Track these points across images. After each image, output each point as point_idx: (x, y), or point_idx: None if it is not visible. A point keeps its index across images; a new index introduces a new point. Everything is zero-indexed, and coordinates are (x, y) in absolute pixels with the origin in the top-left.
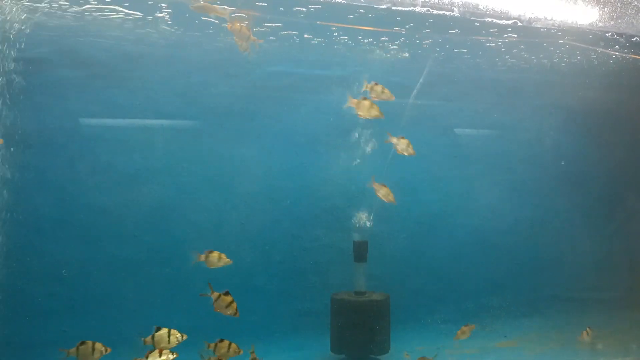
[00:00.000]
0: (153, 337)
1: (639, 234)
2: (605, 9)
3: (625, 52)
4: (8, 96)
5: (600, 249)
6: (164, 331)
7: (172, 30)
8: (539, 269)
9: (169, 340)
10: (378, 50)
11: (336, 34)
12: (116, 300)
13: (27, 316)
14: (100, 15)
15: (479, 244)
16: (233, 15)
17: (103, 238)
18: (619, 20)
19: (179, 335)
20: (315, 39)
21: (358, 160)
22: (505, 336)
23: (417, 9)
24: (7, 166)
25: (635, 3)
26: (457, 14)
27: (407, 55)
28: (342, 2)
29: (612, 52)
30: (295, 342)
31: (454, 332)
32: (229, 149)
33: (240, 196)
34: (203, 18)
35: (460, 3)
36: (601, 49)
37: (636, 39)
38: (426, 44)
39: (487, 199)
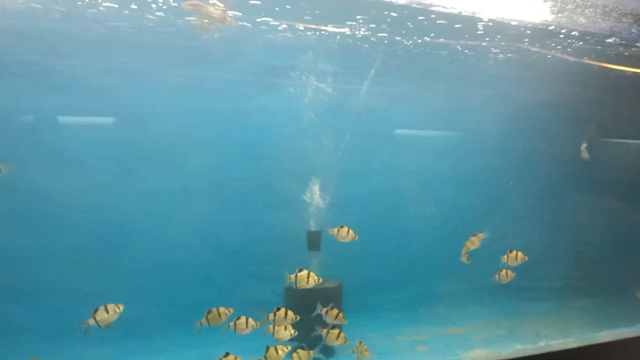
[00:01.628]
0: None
1: (584, 225)
2: (547, 3)
3: (565, 46)
4: None
5: (546, 240)
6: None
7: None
8: (488, 258)
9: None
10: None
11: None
12: (62, 289)
13: None
14: None
15: (429, 234)
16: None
17: (50, 227)
18: (560, 15)
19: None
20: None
21: (312, 149)
22: (454, 323)
23: None
24: None
25: None
26: (404, 2)
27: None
28: None
29: (552, 46)
30: (251, 332)
31: (405, 319)
32: (182, 136)
33: (192, 186)
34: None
35: None
36: (541, 43)
37: (575, 33)
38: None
39: (437, 190)
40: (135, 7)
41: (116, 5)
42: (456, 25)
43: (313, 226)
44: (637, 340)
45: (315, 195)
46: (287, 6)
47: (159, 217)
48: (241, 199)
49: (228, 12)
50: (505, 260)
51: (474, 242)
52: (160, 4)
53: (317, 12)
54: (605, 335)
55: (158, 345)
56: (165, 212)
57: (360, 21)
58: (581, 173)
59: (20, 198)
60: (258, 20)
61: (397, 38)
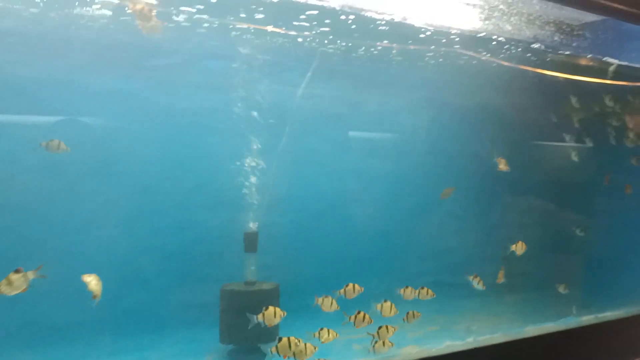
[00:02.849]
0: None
1: (514, 225)
2: (475, 11)
3: (493, 53)
4: None
5: (479, 239)
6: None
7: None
8: (424, 257)
9: None
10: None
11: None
12: None
13: None
14: None
15: (368, 234)
16: None
17: None
18: (487, 22)
19: None
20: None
21: (249, 150)
22: (390, 321)
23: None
24: None
25: (501, 7)
26: (336, 7)
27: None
28: None
29: (478, 54)
30: (185, 335)
31: (343, 318)
32: (113, 137)
33: (127, 186)
34: None
35: None
36: (467, 50)
37: (501, 39)
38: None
39: (374, 191)
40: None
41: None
42: (388, 30)
43: (250, 227)
44: (560, 334)
45: (252, 196)
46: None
47: (90, 219)
48: (176, 200)
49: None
50: (514, 249)
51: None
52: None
53: (257, 14)
54: (530, 330)
55: (88, 350)
56: (96, 214)
57: (297, 24)
58: (509, 175)
59: None
60: (195, 17)
61: (331, 42)
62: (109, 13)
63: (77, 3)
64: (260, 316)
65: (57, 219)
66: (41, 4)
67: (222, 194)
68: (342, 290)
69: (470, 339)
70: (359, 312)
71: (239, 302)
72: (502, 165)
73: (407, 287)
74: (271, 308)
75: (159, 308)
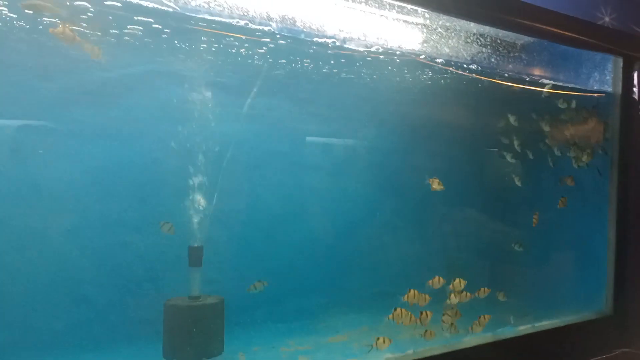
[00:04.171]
0: None
1: (453, 234)
2: (415, 32)
3: (432, 72)
4: None
5: (419, 249)
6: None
7: None
8: (368, 268)
9: None
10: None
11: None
12: None
13: None
14: None
15: (314, 247)
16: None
17: None
18: (425, 44)
19: None
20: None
21: (191, 164)
22: (337, 331)
23: (234, 21)
24: None
25: (439, 30)
26: (274, 30)
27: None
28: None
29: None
30: (127, 352)
31: (290, 330)
32: (54, 149)
33: (67, 201)
34: None
35: (277, 19)
36: (407, 70)
37: (441, 61)
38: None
39: (321, 204)
40: None
41: None
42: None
43: (194, 242)
44: (497, 344)
45: (196, 210)
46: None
47: (27, 234)
48: (118, 216)
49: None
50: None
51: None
52: None
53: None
54: (468, 341)
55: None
56: (34, 229)
57: (245, 38)
58: (449, 189)
59: None
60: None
61: (278, 61)
62: None
63: None
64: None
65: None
66: None
67: (164, 209)
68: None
69: (410, 351)
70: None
71: (182, 317)
72: (435, 185)
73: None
74: (399, 309)
75: (98, 325)
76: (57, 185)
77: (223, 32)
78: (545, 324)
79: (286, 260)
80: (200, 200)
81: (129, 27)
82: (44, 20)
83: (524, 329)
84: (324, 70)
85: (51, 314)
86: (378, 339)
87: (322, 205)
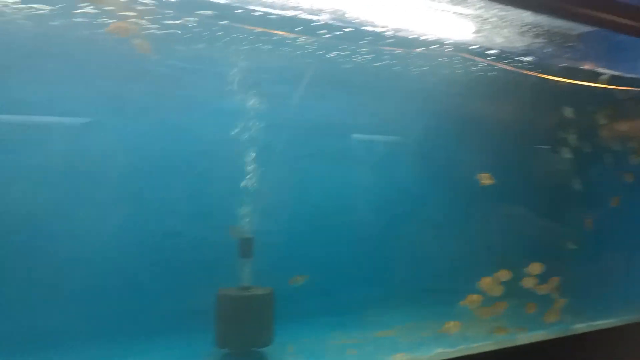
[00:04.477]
0: None
1: (505, 231)
2: (469, 24)
3: (485, 64)
4: None
5: (469, 245)
6: None
7: None
8: (416, 263)
9: None
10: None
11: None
12: None
13: None
14: None
15: (363, 240)
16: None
17: None
18: (477, 35)
19: None
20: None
21: (242, 158)
22: (385, 326)
23: (289, 12)
24: None
25: (492, 20)
26: (328, 20)
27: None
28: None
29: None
30: (180, 340)
31: (339, 323)
32: (107, 143)
33: (123, 193)
34: None
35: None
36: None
37: (493, 51)
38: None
39: (370, 198)
40: None
41: None
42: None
43: (245, 233)
44: (552, 342)
45: (247, 202)
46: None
47: (82, 224)
48: (171, 206)
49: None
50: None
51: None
52: None
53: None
54: (522, 338)
55: (82, 356)
56: (89, 219)
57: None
58: (498, 180)
59: None
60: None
61: (330, 54)
62: None
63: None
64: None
65: (50, 224)
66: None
67: (216, 201)
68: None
69: (462, 346)
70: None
71: (233, 307)
72: (485, 180)
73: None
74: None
75: (152, 314)
76: (113, 176)
77: (264, 30)
78: (601, 323)
79: (335, 254)
80: (251, 191)
81: (183, 18)
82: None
83: (580, 327)
84: (377, 64)
85: (105, 302)
86: (448, 323)
87: (372, 199)
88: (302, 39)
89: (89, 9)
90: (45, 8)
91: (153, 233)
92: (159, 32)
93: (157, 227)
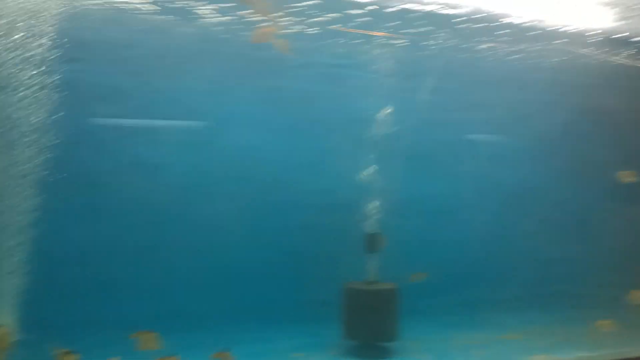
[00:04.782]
0: None
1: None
2: (613, 10)
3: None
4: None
5: (604, 247)
6: None
7: None
8: (546, 264)
9: None
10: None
11: None
12: (136, 284)
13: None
14: None
15: (487, 239)
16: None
17: (125, 224)
18: (624, 22)
19: None
20: None
21: (371, 153)
22: (509, 329)
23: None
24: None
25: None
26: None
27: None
28: None
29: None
30: (307, 330)
31: (460, 323)
32: (246, 138)
33: (254, 187)
34: None
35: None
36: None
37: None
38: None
39: (497, 196)
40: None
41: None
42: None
43: (371, 228)
44: None
45: (374, 197)
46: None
47: (225, 218)
48: (302, 200)
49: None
50: None
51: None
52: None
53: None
54: None
55: (216, 338)
56: (230, 213)
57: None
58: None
59: (100, 197)
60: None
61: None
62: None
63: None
64: None
65: (195, 219)
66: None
67: (343, 196)
68: None
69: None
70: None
71: (360, 300)
72: (627, 177)
73: None
74: None
75: (282, 303)
76: (254, 169)
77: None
78: None
79: (460, 252)
80: (378, 188)
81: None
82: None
83: None
84: (514, 57)
85: (241, 289)
86: (600, 321)
87: (500, 197)
88: (441, 33)
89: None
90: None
91: (285, 225)
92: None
93: (289, 219)
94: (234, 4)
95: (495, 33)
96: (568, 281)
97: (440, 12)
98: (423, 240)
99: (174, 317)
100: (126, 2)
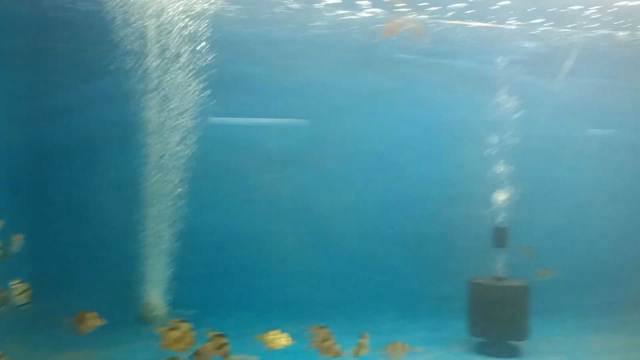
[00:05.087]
0: None
1: None
2: None
3: None
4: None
5: None
6: None
7: None
8: None
9: None
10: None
11: None
12: (267, 270)
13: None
14: None
15: (624, 236)
16: None
17: (257, 213)
18: None
19: None
20: None
21: (499, 145)
22: None
23: None
24: None
25: None
26: None
27: None
28: None
29: None
30: (431, 324)
31: (596, 325)
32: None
33: (380, 182)
34: None
35: None
36: None
37: None
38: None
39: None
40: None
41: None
42: None
43: (499, 222)
44: None
45: (501, 190)
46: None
47: (350, 208)
48: (423, 193)
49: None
50: None
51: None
52: None
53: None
54: None
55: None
56: (354, 204)
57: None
58: None
59: (229, 186)
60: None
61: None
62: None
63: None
64: None
65: (321, 208)
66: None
67: (469, 188)
68: None
69: None
70: None
71: (488, 296)
72: None
73: None
74: None
75: (404, 296)
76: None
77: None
78: None
79: (593, 250)
80: (505, 183)
81: None
82: None
83: None
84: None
85: (366, 283)
86: None
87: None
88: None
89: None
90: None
91: (407, 217)
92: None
93: (411, 212)
94: None
95: None
96: None
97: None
98: (556, 236)
99: (307, 305)
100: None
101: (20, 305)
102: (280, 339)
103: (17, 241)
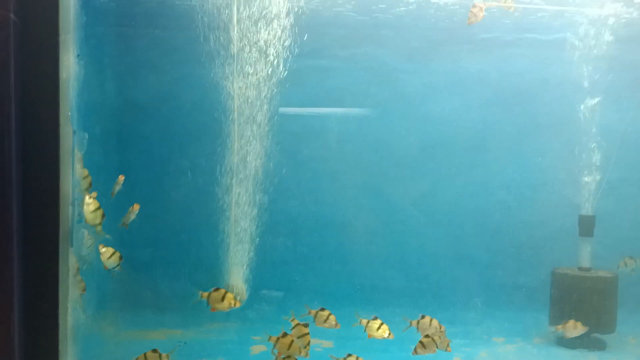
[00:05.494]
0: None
1: None
2: None
3: None
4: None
5: None
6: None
7: None
8: None
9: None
10: None
11: None
12: (340, 256)
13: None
14: None
15: None
16: None
17: (327, 201)
18: None
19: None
20: None
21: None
22: None
23: None
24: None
25: None
26: None
27: None
28: None
29: None
30: (510, 315)
31: None
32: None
33: (454, 167)
34: None
35: None
36: None
37: None
38: None
39: None
40: None
41: None
42: None
43: (585, 210)
44: None
45: (585, 178)
46: None
47: (425, 195)
48: (503, 181)
49: None
50: None
51: None
52: None
53: None
54: None
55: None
56: (429, 192)
57: None
58: None
59: (303, 175)
60: None
61: None
62: None
63: None
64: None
65: (393, 196)
66: None
67: (550, 175)
68: None
69: None
70: None
71: (573, 287)
72: None
73: None
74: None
75: (486, 286)
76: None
77: None
78: None
79: None
80: (589, 168)
81: None
82: None
83: None
84: None
85: (437, 271)
86: None
87: None
88: None
89: None
90: None
91: (485, 205)
92: None
93: (490, 199)
94: None
95: None
96: None
97: None
98: None
99: (373, 291)
100: None
101: (112, 268)
102: (384, 331)
103: (134, 211)
